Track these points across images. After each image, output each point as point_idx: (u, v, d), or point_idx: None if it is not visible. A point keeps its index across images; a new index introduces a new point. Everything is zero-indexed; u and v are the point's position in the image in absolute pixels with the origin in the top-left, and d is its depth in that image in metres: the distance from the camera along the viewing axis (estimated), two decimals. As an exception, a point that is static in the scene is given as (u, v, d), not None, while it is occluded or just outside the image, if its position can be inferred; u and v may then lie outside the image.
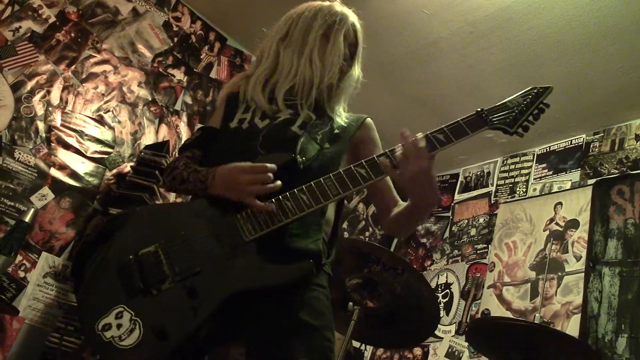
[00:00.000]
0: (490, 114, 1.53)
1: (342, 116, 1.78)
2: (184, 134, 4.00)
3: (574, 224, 3.71)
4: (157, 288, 1.40)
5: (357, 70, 1.83)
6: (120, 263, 1.44)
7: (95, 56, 3.67)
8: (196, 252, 1.43)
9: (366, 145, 1.77)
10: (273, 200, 1.44)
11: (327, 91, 1.77)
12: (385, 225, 1.77)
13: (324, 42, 1.76)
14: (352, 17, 1.82)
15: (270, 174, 1.45)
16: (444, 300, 4.20)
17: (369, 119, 1.84)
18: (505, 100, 1.56)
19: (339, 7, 1.82)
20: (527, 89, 1.59)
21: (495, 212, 4.33)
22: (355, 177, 1.46)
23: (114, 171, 3.57)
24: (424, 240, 4.75)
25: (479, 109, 1.53)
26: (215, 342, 1.49)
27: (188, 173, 1.59)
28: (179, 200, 3.82)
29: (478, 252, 4.26)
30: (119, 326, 1.36)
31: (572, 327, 3.29)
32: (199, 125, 4.08)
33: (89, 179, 3.46)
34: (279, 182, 1.45)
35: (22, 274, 3.11)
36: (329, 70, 1.73)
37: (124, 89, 3.76)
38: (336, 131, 1.71)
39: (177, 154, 1.83)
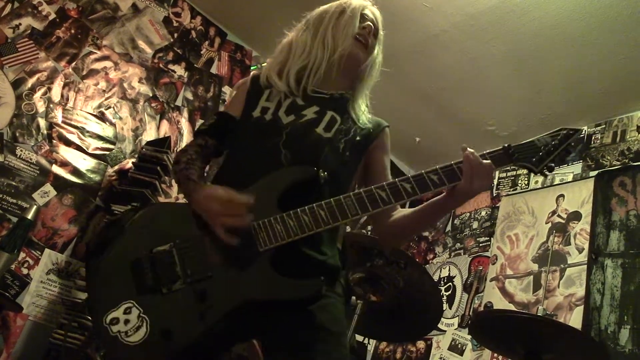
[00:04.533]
0: (517, 152, 1.52)
1: (365, 117, 1.74)
2: (185, 129, 3.99)
3: (576, 216, 3.71)
4: (167, 287, 1.40)
5: (379, 55, 1.80)
6: (134, 258, 1.44)
7: (96, 52, 3.66)
8: (210, 256, 1.43)
9: (378, 153, 1.74)
10: (291, 212, 1.43)
11: (344, 72, 1.73)
12: (384, 229, 1.69)
13: (337, 22, 1.75)
14: (369, 5, 1.81)
15: (244, 208, 1.41)
16: (447, 294, 4.21)
17: (387, 129, 1.79)
18: (533, 139, 1.55)
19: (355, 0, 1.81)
20: (556, 130, 1.57)
21: (497, 205, 4.33)
22: (375, 199, 1.45)
23: (116, 167, 3.57)
24: (426, 233, 4.76)
25: (506, 145, 1.53)
26: (225, 345, 1.48)
27: (182, 177, 1.58)
28: (180, 196, 3.83)
29: (480, 245, 4.27)
30: (126, 322, 1.37)
31: (575, 319, 3.29)
32: (200, 121, 4.08)
33: (91, 176, 3.46)
34: (249, 218, 1.41)
35: (25, 271, 3.11)
36: (342, 42, 1.71)
37: (125, 85, 3.75)
38: (357, 138, 1.68)
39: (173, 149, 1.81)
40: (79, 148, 3.44)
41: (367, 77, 1.78)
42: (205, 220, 1.44)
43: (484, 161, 1.47)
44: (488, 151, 1.51)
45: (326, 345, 1.42)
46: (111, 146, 3.60)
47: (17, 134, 3.22)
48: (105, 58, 3.70)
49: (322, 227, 1.42)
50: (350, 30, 1.73)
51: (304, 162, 1.53)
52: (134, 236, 1.49)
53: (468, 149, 1.47)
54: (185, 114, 4.03)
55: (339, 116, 1.67)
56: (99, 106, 3.60)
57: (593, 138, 3.96)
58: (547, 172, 1.55)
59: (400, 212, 1.65)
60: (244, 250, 1.41)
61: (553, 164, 1.53)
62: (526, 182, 4.24)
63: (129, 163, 3.57)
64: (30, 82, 3.33)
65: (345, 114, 1.70)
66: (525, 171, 4.31)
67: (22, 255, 3.07)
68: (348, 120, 1.69)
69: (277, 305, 1.41)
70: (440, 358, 3.94)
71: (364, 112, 1.75)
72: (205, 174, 1.74)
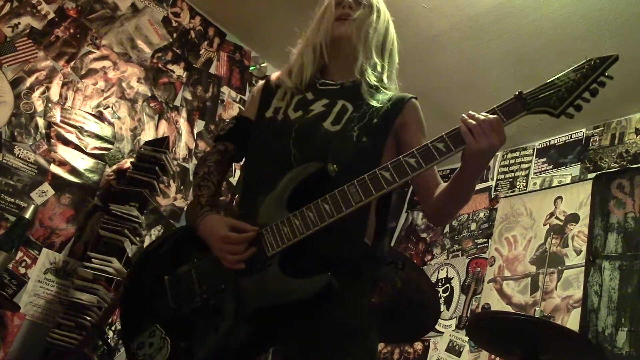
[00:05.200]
0: (531, 96, 1.33)
1: (383, 95, 1.65)
2: (184, 129, 3.99)
3: (574, 218, 3.71)
4: (187, 307, 1.44)
5: (369, 16, 1.75)
6: (158, 283, 1.49)
7: (95, 52, 3.66)
8: (223, 269, 1.43)
9: (408, 129, 1.64)
10: (297, 212, 1.40)
11: (341, 57, 1.71)
12: (430, 208, 1.60)
13: (320, 18, 1.76)
14: None
15: (243, 246, 1.41)
16: (445, 295, 4.21)
17: (412, 101, 1.70)
18: (552, 78, 1.34)
19: None
20: (581, 62, 1.33)
21: (496, 207, 4.33)
22: (379, 182, 1.36)
23: (114, 167, 3.57)
24: (424, 234, 4.76)
25: (519, 92, 1.33)
26: (246, 357, 1.48)
27: (194, 196, 1.60)
28: (179, 196, 3.83)
29: (478, 246, 4.26)
30: (150, 345, 1.41)
31: (572, 321, 3.29)
32: (199, 122, 4.08)
33: (89, 175, 3.46)
34: (250, 251, 1.41)
35: (22, 270, 3.11)
36: (324, 31, 1.70)
37: (124, 84, 3.75)
38: (375, 121, 1.58)
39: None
40: (77, 147, 3.44)
41: (367, 43, 1.73)
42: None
43: (490, 116, 1.33)
44: (497, 104, 1.36)
45: (345, 347, 1.39)
46: (109, 146, 3.59)
47: (16, 133, 3.22)
48: (104, 58, 3.70)
49: (326, 221, 1.36)
50: (328, 17, 1.72)
51: (312, 160, 1.48)
52: (159, 262, 1.54)
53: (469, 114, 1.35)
54: (184, 114, 4.03)
55: (351, 104, 1.62)
56: (98, 106, 3.60)
57: (591, 140, 3.96)
58: (571, 113, 1.32)
59: (440, 187, 1.57)
60: (254, 258, 1.41)
61: (580, 102, 1.32)
62: (524, 184, 4.24)
63: (127, 163, 3.56)
64: (29, 81, 3.33)
65: (359, 99, 1.64)
66: (523, 173, 4.35)
67: (19, 254, 3.06)
68: (362, 105, 1.62)
69: (289, 309, 1.38)
70: (438, 359, 3.94)
71: (382, 90, 1.68)
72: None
